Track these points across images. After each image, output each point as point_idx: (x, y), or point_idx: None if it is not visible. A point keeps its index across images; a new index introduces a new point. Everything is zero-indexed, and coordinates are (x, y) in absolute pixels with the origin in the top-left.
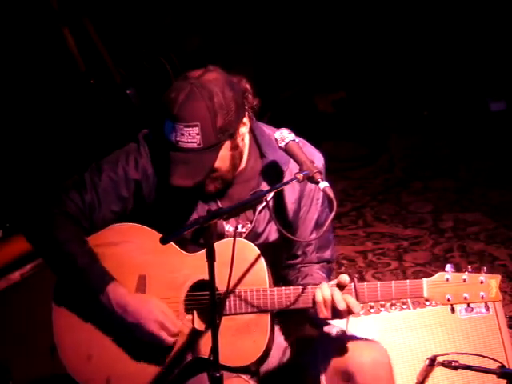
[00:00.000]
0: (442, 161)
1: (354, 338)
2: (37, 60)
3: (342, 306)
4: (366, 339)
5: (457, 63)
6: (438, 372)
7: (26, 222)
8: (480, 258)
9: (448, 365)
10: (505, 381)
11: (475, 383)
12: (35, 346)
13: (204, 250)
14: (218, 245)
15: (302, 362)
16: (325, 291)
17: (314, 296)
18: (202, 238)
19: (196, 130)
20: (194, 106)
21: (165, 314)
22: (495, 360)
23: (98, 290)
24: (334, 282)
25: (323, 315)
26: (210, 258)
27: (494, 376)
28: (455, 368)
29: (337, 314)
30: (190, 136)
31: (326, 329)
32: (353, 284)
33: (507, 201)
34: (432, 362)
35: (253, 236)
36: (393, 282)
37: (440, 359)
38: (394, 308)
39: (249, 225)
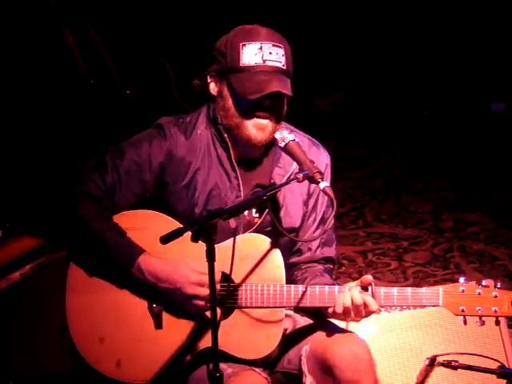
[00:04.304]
0: (441, 161)
1: (334, 329)
2: (36, 59)
3: (361, 305)
4: (347, 331)
5: (456, 62)
6: (438, 372)
7: (49, 205)
8: (480, 258)
9: (448, 365)
10: (505, 381)
11: (475, 383)
12: (35, 345)
13: (224, 242)
14: (240, 238)
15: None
16: (355, 295)
17: (342, 299)
18: (202, 238)
19: (281, 51)
20: (277, 33)
21: (197, 273)
22: (495, 360)
23: (129, 264)
24: (352, 283)
25: (349, 319)
26: (210, 257)
27: (494, 376)
28: (455, 368)
29: (358, 315)
30: (277, 55)
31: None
32: (370, 288)
33: (507, 201)
34: (432, 362)
35: (267, 223)
36: (409, 288)
37: (440, 359)
38: (394, 308)
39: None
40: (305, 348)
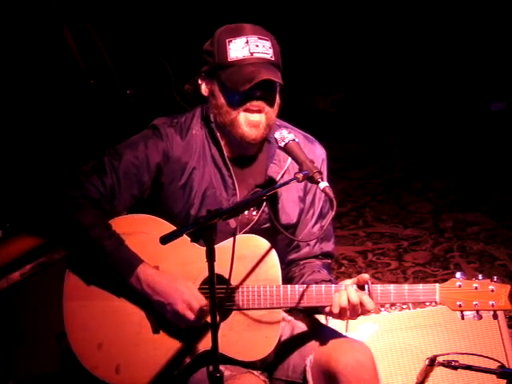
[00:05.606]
0: (441, 161)
1: (337, 336)
2: (37, 59)
3: (357, 303)
4: (351, 339)
5: (456, 62)
6: (438, 372)
7: (48, 210)
8: (480, 258)
9: (448, 365)
10: (505, 381)
11: (475, 383)
12: (35, 345)
13: (221, 243)
14: (237, 239)
15: (287, 350)
16: (352, 294)
17: (338, 298)
18: (202, 238)
19: (268, 43)
20: (263, 28)
21: (191, 294)
22: (495, 360)
23: (128, 273)
24: (349, 281)
25: (345, 318)
26: (210, 258)
27: (494, 376)
28: (455, 368)
29: (354, 314)
30: (264, 48)
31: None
32: (367, 286)
33: (507, 201)
34: (432, 362)
35: (264, 220)
36: (406, 285)
37: (440, 359)
38: (393, 308)
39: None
40: (309, 358)
